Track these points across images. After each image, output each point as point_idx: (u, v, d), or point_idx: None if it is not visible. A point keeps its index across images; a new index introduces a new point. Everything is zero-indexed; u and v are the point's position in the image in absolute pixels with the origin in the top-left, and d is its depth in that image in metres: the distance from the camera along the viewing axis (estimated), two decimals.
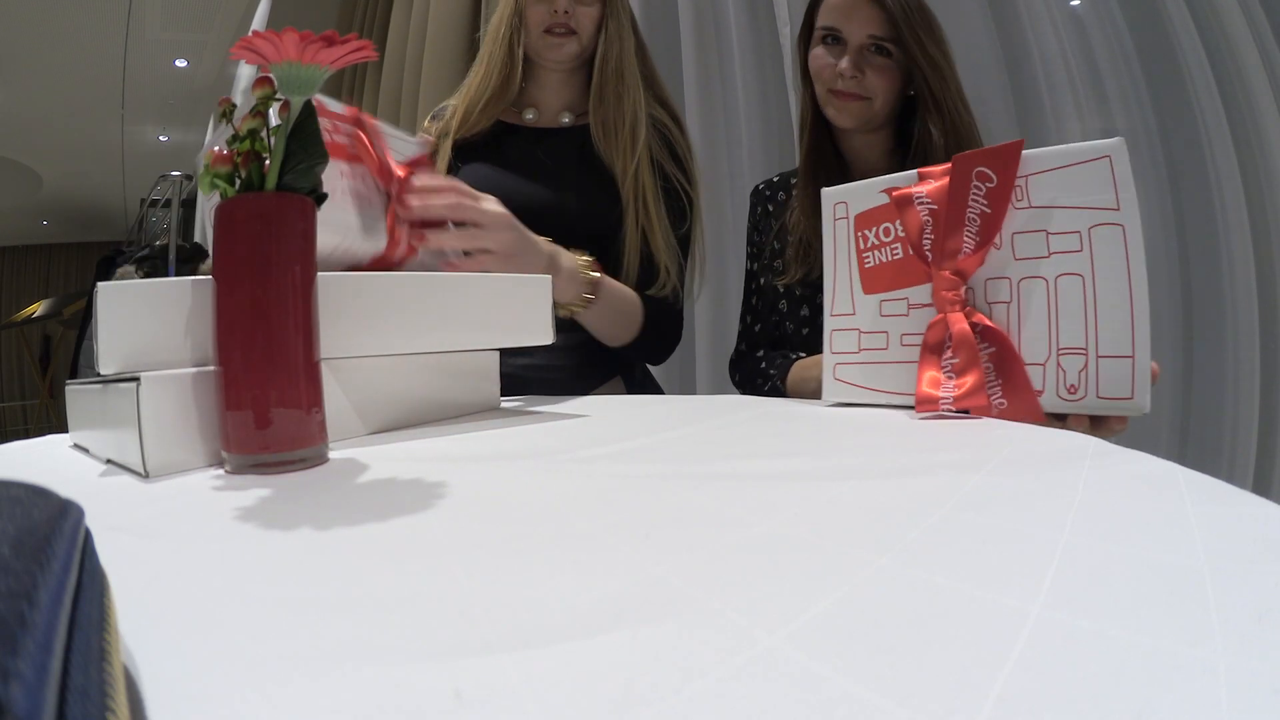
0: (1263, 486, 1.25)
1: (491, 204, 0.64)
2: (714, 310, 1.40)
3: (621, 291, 0.83)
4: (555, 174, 0.90)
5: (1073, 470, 0.30)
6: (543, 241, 0.70)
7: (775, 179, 0.99)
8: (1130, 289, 0.44)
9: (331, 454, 0.39)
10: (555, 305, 0.64)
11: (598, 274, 0.77)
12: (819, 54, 0.84)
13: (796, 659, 0.15)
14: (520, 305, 0.56)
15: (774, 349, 0.93)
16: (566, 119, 0.96)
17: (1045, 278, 0.46)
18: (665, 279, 0.88)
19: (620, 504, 0.28)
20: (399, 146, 0.59)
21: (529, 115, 0.96)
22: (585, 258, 0.77)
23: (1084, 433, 0.46)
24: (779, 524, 0.24)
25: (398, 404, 0.50)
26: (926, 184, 0.50)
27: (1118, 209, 0.44)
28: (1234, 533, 0.22)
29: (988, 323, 0.47)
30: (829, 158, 0.88)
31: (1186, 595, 0.17)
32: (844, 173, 0.87)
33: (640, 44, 0.96)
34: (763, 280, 0.95)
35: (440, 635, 0.16)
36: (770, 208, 0.96)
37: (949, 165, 0.49)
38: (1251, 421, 1.24)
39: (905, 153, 0.83)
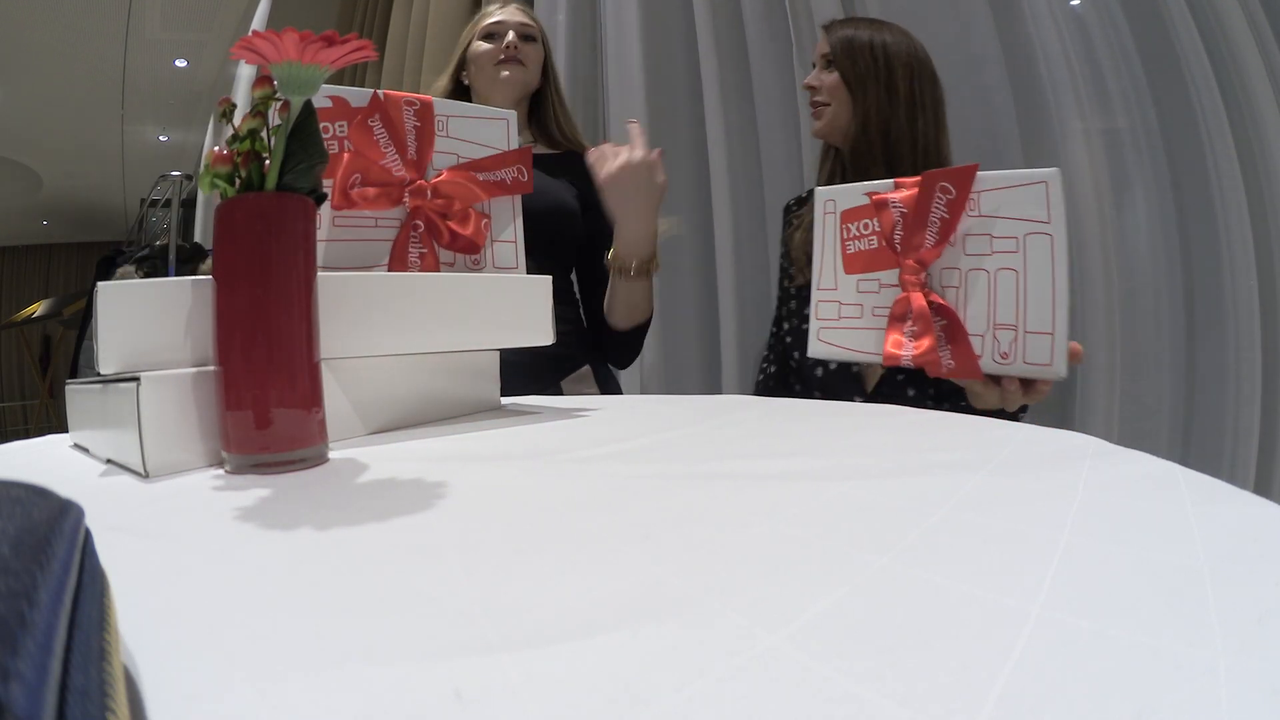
0: (1264, 487, 1.25)
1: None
2: (738, 316, 1.40)
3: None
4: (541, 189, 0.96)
5: (1073, 470, 0.30)
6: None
7: (805, 195, 1.07)
8: (1053, 282, 0.56)
9: (331, 454, 0.39)
10: (632, 262, 0.88)
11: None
12: (807, 79, 1.00)
13: (796, 659, 0.15)
14: (520, 305, 0.56)
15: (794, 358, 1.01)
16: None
17: (987, 270, 0.59)
18: None
19: (620, 504, 0.28)
20: (480, 129, 0.59)
21: None
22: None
23: (1015, 392, 0.60)
24: (779, 524, 0.24)
25: (398, 404, 0.50)
26: (900, 191, 0.63)
27: (1048, 222, 0.56)
28: (1234, 533, 0.22)
29: (941, 301, 0.60)
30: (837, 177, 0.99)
31: (1186, 595, 0.17)
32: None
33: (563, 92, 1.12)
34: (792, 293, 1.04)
35: (440, 635, 0.16)
36: (796, 222, 1.05)
37: (919, 178, 0.61)
38: (1253, 421, 1.24)
39: None
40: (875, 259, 0.64)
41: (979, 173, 0.59)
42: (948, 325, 0.60)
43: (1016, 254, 0.57)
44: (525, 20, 1.07)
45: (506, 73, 1.02)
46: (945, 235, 0.60)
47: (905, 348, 0.61)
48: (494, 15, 1.06)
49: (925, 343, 0.60)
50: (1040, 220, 0.56)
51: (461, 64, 1.06)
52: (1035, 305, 0.56)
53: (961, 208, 0.59)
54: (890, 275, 0.63)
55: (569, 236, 1.01)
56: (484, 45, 1.04)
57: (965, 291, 0.60)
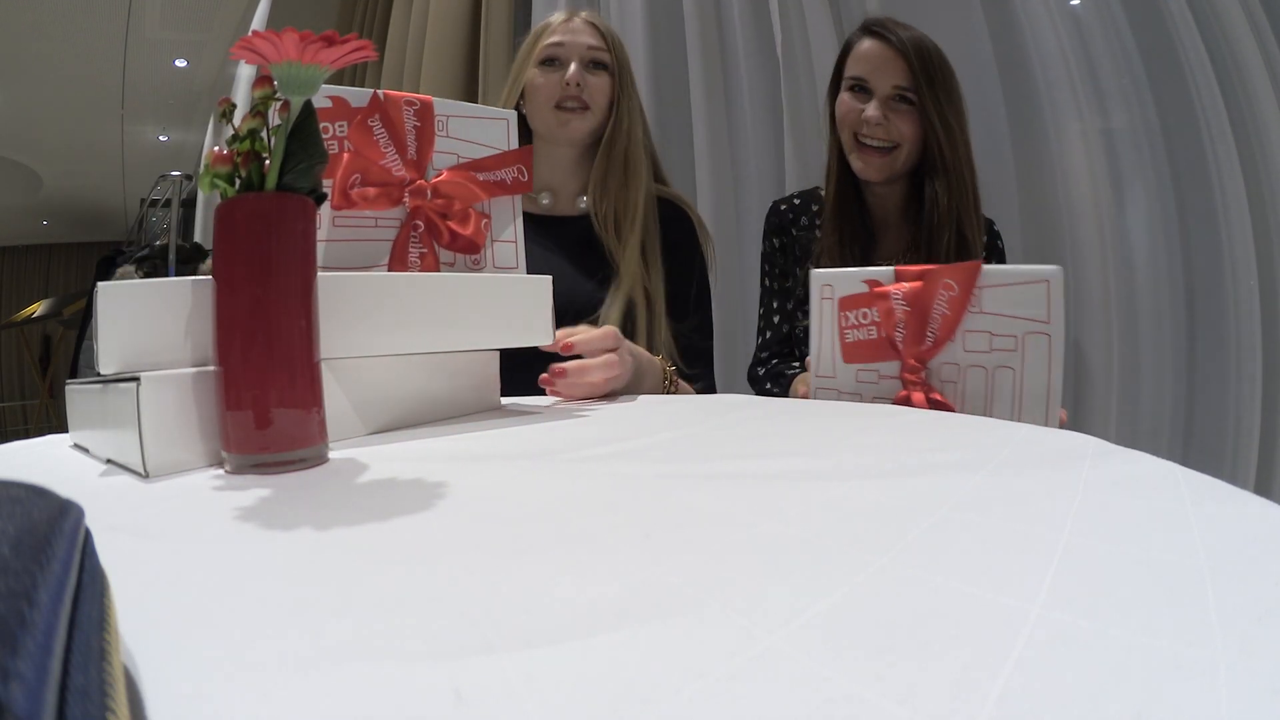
0: (1264, 486, 1.25)
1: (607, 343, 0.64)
2: (726, 317, 1.40)
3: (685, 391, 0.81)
4: (579, 269, 0.85)
5: (1073, 470, 0.30)
6: (638, 357, 0.70)
7: (796, 201, 1.02)
8: (1049, 382, 0.56)
9: (331, 454, 0.39)
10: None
11: (674, 370, 0.76)
12: (846, 100, 0.90)
13: (796, 659, 0.15)
14: (520, 305, 0.56)
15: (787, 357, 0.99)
16: (584, 202, 0.91)
17: (986, 367, 0.59)
18: (695, 344, 0.87)
19: (620, 504, 0.28)
20: (480, 129, 0.58)
21: (544, 199, 0.90)
22: (659, 357, 0.76)
23: None
24: (779, 524, 0.24)
25: (398, 404, 0.50)
26: (901, 285, 0.62)
27: (1048, 322, 0.56)
28: (1234, 533, 0.22)
29: (939, 398, 0.60)
30: (852, 205, 0.93)
31: (1186, 595, 0.17)
32: (865, 219, 0.94)
33: (647, 126, 0.93)
34: (789, 306, 0.99)
35: (440, 635, 0.16)
36: (795, 232, 1.00)
37: (922, 268, 0.61)
38: (1253, 421, 1.24)
39: (919, 206, 0.90)
40: (875, 350, 0.62)
41: (983, 268, 0.59)
42: None
43: (1015, 353, 0.57)
44: (593, 42, 0.86)
45: (567, 123, 0.84)
46: (947, 334, 0.59)
47: None
48: (554, 34, 0.86)
49: None
50: (1040, 320, 0.56)
51: (520, 87, 0.88)
52: (1031, 404, 0.57)
53: (964, 306, 0.59)
54: (890, 367, 0.62)
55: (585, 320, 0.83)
56: (541, 76, 0.85)
57: (963, 388, 0.60)
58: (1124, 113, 1.29)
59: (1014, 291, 0.57)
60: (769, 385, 0.98)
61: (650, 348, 0.84)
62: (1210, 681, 0.13)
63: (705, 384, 0.91)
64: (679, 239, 0.92)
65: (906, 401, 0.60)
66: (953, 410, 0.58)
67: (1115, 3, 1.29)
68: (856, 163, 0.90)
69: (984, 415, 0.56)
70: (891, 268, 0.62)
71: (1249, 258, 1.25)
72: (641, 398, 0.67)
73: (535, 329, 0.57)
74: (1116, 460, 0.32)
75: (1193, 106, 1.26)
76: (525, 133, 0.88)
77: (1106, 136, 1.28)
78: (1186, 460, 0.48)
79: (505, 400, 0.61)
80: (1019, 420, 0.55)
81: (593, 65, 0.86)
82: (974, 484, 0.28)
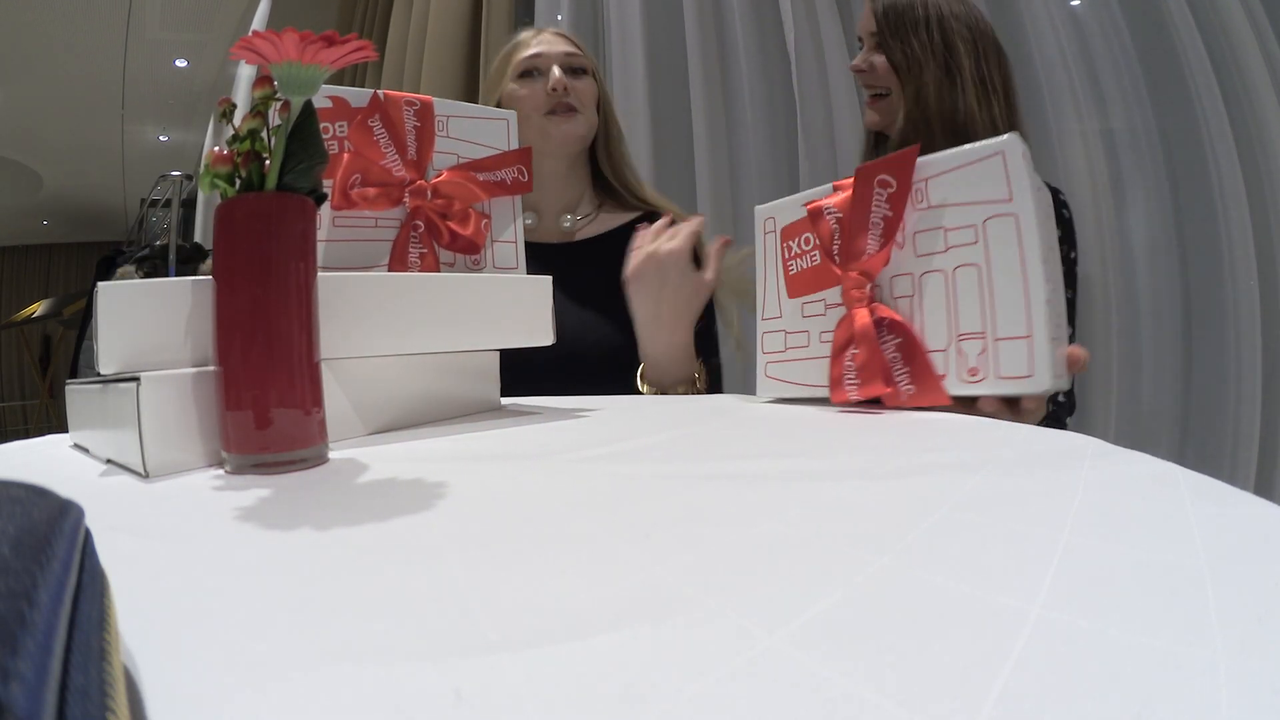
0: (1264, 487, 1.25)
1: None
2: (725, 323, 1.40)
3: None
4: (565, 304, 0.82)
5: (1073, 470, 0.30)
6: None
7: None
8: (1025, 273, 0.45)
9: (331, 454, 0.39)
10: (667, 385, 0.69)
11: (705, 376, 0.75)
12: (854, 62, 0.91)
13: (796, 659, 0.15)
14: (520, 305, 0.56)
15: None
16: (567, 222, 0.89)
17: (944, 270, 0.49)
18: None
19: (620, 504, 0.28)
20: (480, 129, 0.58)
21: (527, 221, 0.87)
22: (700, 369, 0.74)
23: (996, 414, 0.48)
24: (779, 524, 0.24)
25: (398, 404, 0.50)
26: (836, 196, 0.54)
27: (1010, 200, 0.46)
28: (1234, 533, 0.22)
29: (893, 315, 0.51)
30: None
31: (1186, 595, 0.17)
32: None
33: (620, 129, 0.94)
34: None
35: (440, 635, 0.16)
36: None
37: (862, 167, 0.53)
38: (1253, 421, 1.24)
39: None
40: (818, 277, 0.55)
41: (920, 158, 0.50)
42: (903, 343, 0.50)
43: (976, 245, 0.47)
44: (569, 49, 0.86)
45: (560, 126, 0.82)
46: (889, 236, 0.50)
47: (847, 377, 0.51)
48: (530, 47, 0.86)
49: (871, 369, 0.50)
50: (1000, 200, 0.46)
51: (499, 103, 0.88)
52: (1004, 304, 0.46)
53: (904, 200, 0.50)
54: (835, 293, 0.54)
55: (601, 362, 0.81)
56: (523, 89, 0.84)
57: (920, 300, 0.50)
58: (1123, 114, 1.29)
59: (964, 174, 0.48)
60: None
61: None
62: (1210, 681, 0.13)
63: (718, 359, 0.91)
64: None
65: (849, 328, 0.52)
66: (907, 328, 0.50)
67: (1115, 3, 1.29)
68: (865, 118, 0.91)
69: (948, 330, 0.49)
70: (830, 184, 0.55)
71: (1248, 258, 1.25)
72: (641, 398, 0.67)
73: (535, 329, 0.57)
74: (1116, 460, 0.32)
75: (1192, 107, 1.26)
76: None
77: (1106, 138, 1.28)
78: (1186, 460, 0.48)
79: (505, 400, 0.61)
80: (995, 332, 0.47)
81: (573, 70, 0.85)
82: (974, 484, 0.28)
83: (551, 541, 0.23)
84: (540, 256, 0.85)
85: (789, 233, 0.58)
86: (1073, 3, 1.33)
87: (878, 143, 0.94)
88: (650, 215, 0.88)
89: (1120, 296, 1.25)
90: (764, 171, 1.41)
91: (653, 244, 0.68)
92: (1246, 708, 0.13)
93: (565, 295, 0.82)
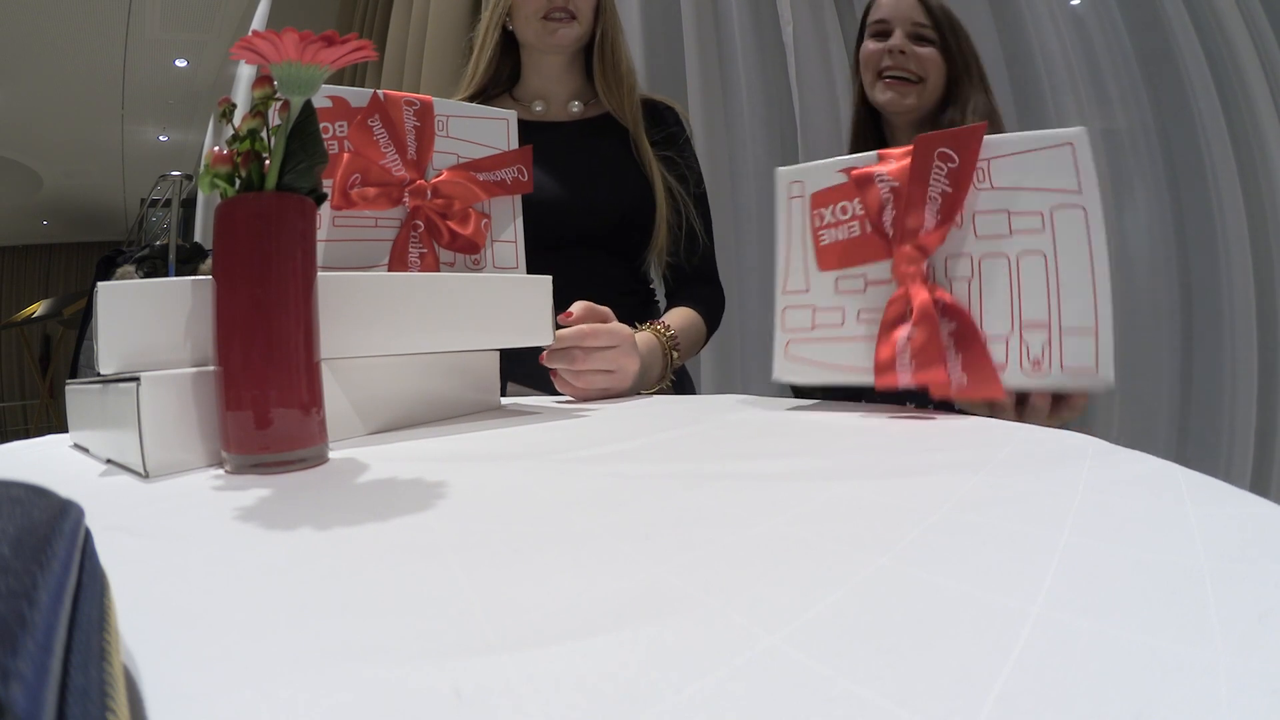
0: (1261, 486, 1.25)
1: (609, 335, 0.64)
2: (725, 320, 1.40)
3: (690, 328, 0.84)
4: (579, 169, 0.89)
5: (1073, 470, 0.30)
6: (636, 344, 0.68)
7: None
8: (1092, 266, 0.45)
9: (331, 454, 0.39)
10: (648, 388, 0.70)
11: (674, 335, 0.77)
12: (869, 45, 0.94)
13: (796, 659, 0.15)
14: (520, 305, 0.56)
15: None
16: (576, 107, 0.96)
17: (1008, 255, 0.47)
18: (703, 242, 0.92)
19: (620, 504, 0.28)
20: (480, 129, 0.58)
21: (537, 107, 0.95)
22: (658, 328, 0.76)
23: (1044, 408, 0.48)
24: (779, 524, 0.24)
25: (398, 404, 0.50)
26: (887, 164, 0.51)
27: (1079, 192, 0.45)
28: (1234, 533, 0.22)
29: (949, 298, 0.48)
30: (871, 146, 0.93)
31: (1186, 595, 0.17)
32: None
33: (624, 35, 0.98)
34: None
35: (440, 635, 0.16)
36: None
37: (910, 147, 0.50)
38: (1249, 420, 1.24)
39: None
40: (858, 249, 0.51)
41: (987, 136, 0.48)
42: (958, 329, 0.47)
43: (1043, 233, 0.46)
44: None
45: (556, 31, 0.88)
46: (950, 214, 0.48)
47: (901, 360, 0.48)
48: None
49: (929, 353, 0.47)
50: (1069, 190, 0.45)
51: (505, 5, 0.92)
52: (1072, 296, 0.45)
53: (969, 179, 0.48)
54: (879, 269, 0.51)
55: (611, 225, 0.87)
56: None
57: (980, 284, 0.48)
58: (1122, 114, 1.29)
59: (1032, 159, 0.47)
60: None
61: (685, 233, 0.90)
62: (1210, 681, 0.13)
63: (713, 288, 0.95)
64: (674, 130, 0.97)
65: (903, 305, 0.49)
66: (964, 313, 0.48)
67: (1115, 4, 1.29)
68: (882, 96, 0.93)
69: (1009, 317, 0.47)
70: (874, 152, 0.53)
71: (1245, 257, 1.25)
72: (641, 398, 0.67)
73: (535, 329, 0.57)
74: (1116, 460, 0.32)
75: (1190, 107, 1.27)
76: (512, 45, 0.93)
77: (1105, 137, 1.28)
78: (1184, 460, 0.48)
79: (505, 400, 0.61)
80: (1062, 324, 0.46)
81: None
82: (974, 484, 0.28)
83: (551, 541, 0.23)
84: (551, 133, 0.91)
85: (821, 199, 0.53)
86: (1073, 2, 1.33)
87: (878, 122, 0.97)
88: (646, 101, 0.95)
89: (1119, 296, 1.26)
90: (759, 164, 1.41)
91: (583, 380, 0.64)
92: (1246, 708, 0.13)
93: (577, 163, 0.89)
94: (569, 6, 0.88)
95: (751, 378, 1.39)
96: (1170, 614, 0.16)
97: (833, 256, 0.53)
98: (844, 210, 0.53)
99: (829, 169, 0.54)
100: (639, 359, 0.67)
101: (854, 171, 0.52)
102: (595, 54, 0.92)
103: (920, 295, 0.48)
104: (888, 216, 0.50)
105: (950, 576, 0.19)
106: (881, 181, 0.51)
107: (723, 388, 1.38)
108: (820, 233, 0.54)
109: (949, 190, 0.48)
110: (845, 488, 0.29)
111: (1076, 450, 0.34)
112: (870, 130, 0.96)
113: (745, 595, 0.18)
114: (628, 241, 0.90)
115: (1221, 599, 0.17)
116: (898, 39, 0.91)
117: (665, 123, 0.96)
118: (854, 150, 0.92)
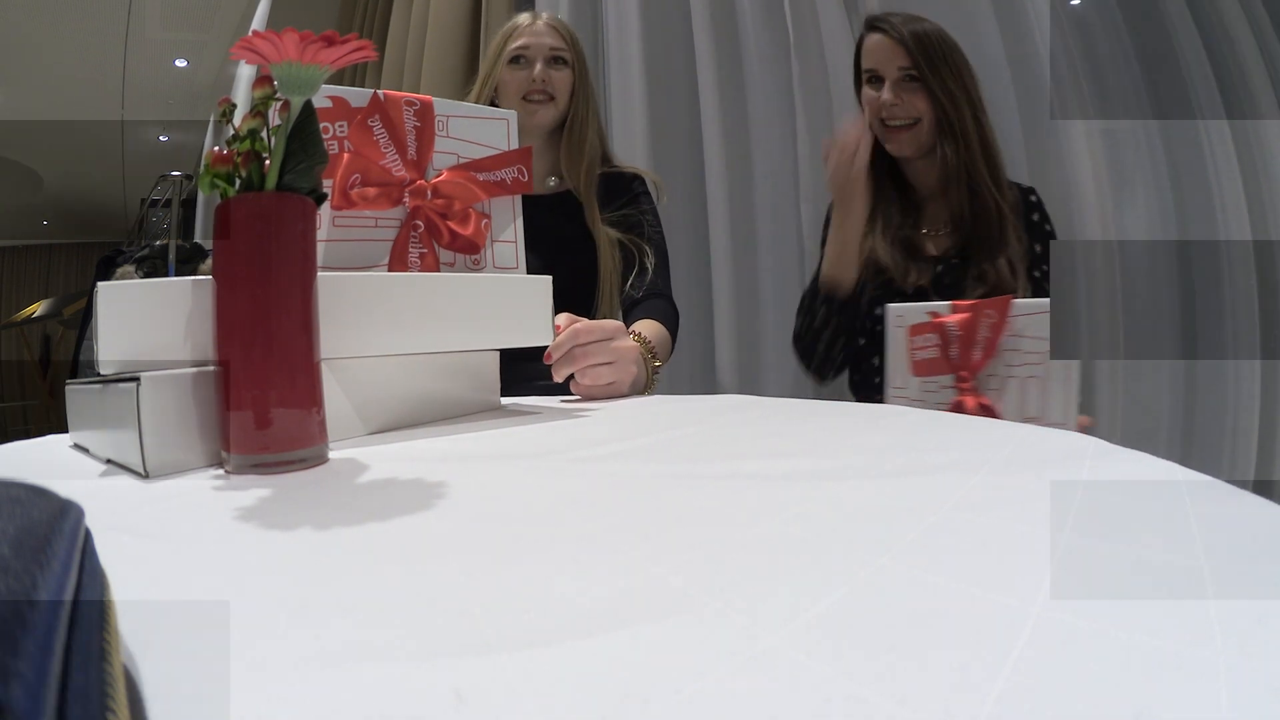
0: (1263, 487, 1.25)
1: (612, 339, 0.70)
2: (741, 319, 1.40)
3: (658, 334, 0.90)
4: (557, 240, 0.97)
5: (1073, 470, 0.30)
6: (624, 328, 0.76)
7: None
8: (1067, 388, 0.74)
9: (331, 454, 0.39)
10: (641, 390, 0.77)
11: (649, 340, 0.81)
12: (867, 92, 1.01)
13: (796, 659, 0.15)
14: (520, 305, 0.56)
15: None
16: (552, 181, 1.05)
17: (1018, 376, 0.77)
18: (652, 276, 1.00)
19: (620, 504, 0.28)
20: (480, 129, 0.58)
21: None
22: (637, 335, 0.80)
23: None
24: (779, 524, 0.24)
25: (398, 404, 0.50)
26: (956, 315, 0.79)
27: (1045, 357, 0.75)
28: (1234, 533, 0.22)
29: (985, 401, 0.77)
30: (883, 179, 1.03)
31: (1186, 595, 0.17)
32: (907, 193, 1.04)
33: (598, 111, 1.08)
34: None
35: (440, 635, 0.16)
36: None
37: (971, 303, 0.77)
38: (1252, 422, 1.24)
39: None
40: (936, 366, 0.81)
41: (1013, 301, 0.78)
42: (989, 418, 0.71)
43: (1040, 364, 0.76)
44: (555, 43, 1.01)
45: (536, 114, 0.99)
46: (989, 352, 0.78)
47: None
48: (521, 36, 1.01)
49: None
50: (1041, 353, 0.76)
51: (493, 83, 1.02)
52: (1053, 404, 0.75)
53: (1001, 329, 0.77)
54: (946, 379, 0.81)
55: (576, 285, 0.97)
56: (511, 74, 1.00)
57: (1003, 394, 0.78)
58: (1124, 113, 1.29)
59: (1031, 320, 0.76)
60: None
61: (636, 273, 1.00)
62: (1210, 681, 0.13)
63: (666, 301, 1.01)
64: (639, 192, 1.07)
65: (960, 406, 0.77)
66: (993, 410, 0.76)
67: (1115, 4, 1.29)
68: (889, 144, 1.00)
69: (1018, 413, 0.74)
70: (949, 302, 0.79)
71: (1247, 258, 1.25)
72: (641, 398, 0.67)
73: (535, 329, 0.57)
74: (1116, 460, 0.32)
75: (1191, 107, 1.27)
76: None
77: (1107, 136, 1.28)
78: (1185, 460, 0.48)
79: (505, 400, 0.61)
80: (1046, 419, 0.70)
81: (555, 61, 1.01)
82: (974, 484, 0.28)
83: (551, 541, 0.23)
84: (529, 207, 0.95)
85: (915, 330, 0.81)
86: (1074, 2, 1.33)
87: (893, 164, 1.03)
88: (610, 175, 1.05)
89: (1120, 296, 1.25)
90: (770, 163, 1.41)
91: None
92: (1246, 708, 0.13)
93: (546, 237, 0.95)
94: (547, 88, 0.99)
95: (769, 371, 1.39)
96: (1170, 614, 0.16)
97: (922, 368, 0.81)
98: (928, 340, 0.81)
99: (920, 311, 0.81)
100: (632, 345, 0.73)
101: (936, 317, 0.79)
102: (565, 133, 1.03)
103: (970, 402, 0.77)
104: (954, 351, 0.79)
105: (950, 576, 0.19)
106: (949, 328, 0.78)
107: (744, 384, 1.38)
108: (914, 351, 0.82)
109: (989, 336, 0.77)
110: (845, 488, 0.29)
111: (1076, 450, 0.34)
112: (880, 161, 1.01)
113: (745, 595, 0.18)
114: (581, 295, 0.99)
115: (1221, 599, 0.17)
116: (888, 93, 0.97)
117: (631, 190, 1.06)
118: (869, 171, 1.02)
